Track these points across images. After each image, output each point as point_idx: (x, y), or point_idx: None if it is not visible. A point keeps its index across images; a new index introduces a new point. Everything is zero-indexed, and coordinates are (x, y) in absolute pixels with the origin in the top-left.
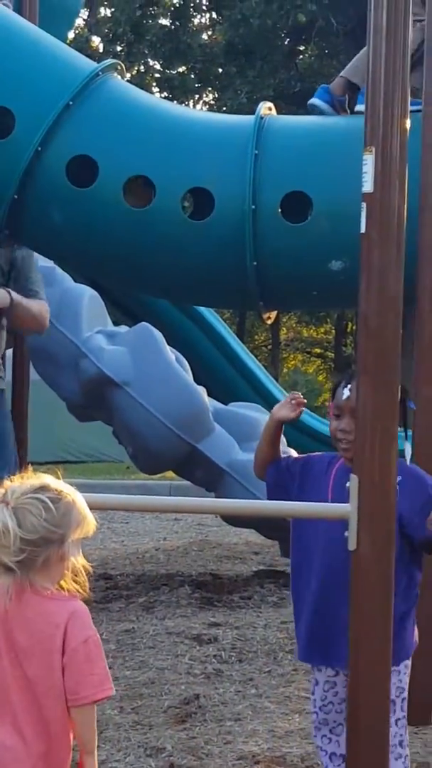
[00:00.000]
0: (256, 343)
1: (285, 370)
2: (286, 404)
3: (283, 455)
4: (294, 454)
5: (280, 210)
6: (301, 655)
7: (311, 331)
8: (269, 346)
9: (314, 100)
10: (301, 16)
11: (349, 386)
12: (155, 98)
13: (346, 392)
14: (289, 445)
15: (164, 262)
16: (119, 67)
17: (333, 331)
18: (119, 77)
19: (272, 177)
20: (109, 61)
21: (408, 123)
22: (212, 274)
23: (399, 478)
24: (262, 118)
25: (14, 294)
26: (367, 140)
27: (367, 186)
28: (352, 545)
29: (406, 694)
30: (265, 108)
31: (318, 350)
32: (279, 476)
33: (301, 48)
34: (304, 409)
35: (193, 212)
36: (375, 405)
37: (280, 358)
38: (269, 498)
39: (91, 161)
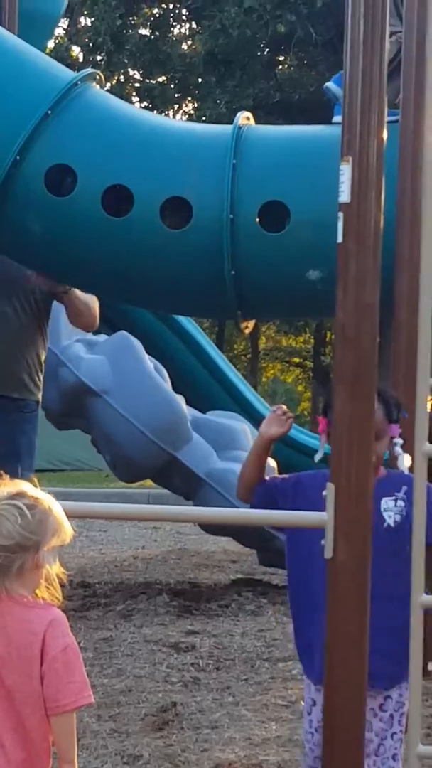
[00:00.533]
0: (235, 352)
1: (264, 379)
2: (275, 420)
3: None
4: (273, 464)
5: (258, 219)
6: (317, 677)
7: (290, 340)
8: (248, 356)
9: (330, 84)
10: (281, 27)
11: None
12: (134, 107)
13: None
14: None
15: (142, 272)
16: (98, 77)
17: (312, 340)
18: (98, 86)
19: (250, 186)
20: (88, 70)
21: (385, 133)
22: (190, 283)
23: (405, 488)
24: (240, 127)
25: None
26: (344, 150)
27: (344, 196)
28: (328, 553)
29: (405, 709)
30: (243, 118)
31: (297, 359)
32: (269, 497)
33: (281, 58)
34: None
35: (171, 221)
36: (352, 413)
37: (259, 368)
38: None
39: (70, 170)
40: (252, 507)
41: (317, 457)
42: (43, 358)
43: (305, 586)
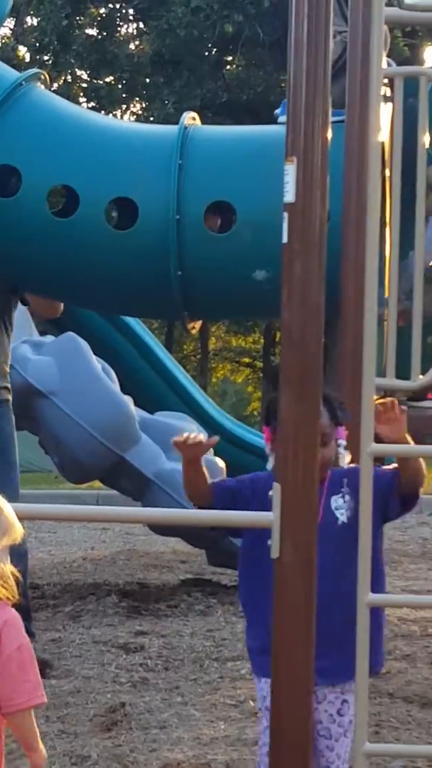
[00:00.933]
0: (185, 352)
1: (214, 379)
2: (184, 446)
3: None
4: (221, 464)
5: (204, 220)
6: (268, 672)
7: (240, 340)
8: (198, 356)
9: (278, 111)
10: (228, 27)
11: None
12: (79, 108)
13: None
14: (216, 454)
15: (89, 272)
16: (43, 77)
17: (261, 340)
18: (43, 87)
19: (196, 187)
20: (33, 70)
21: (329, 133)
22: (137, 283)
23: (345, 480)
24: (186, 128)
25: None
26: (288, 150)
27: (289, 196)
28: (275, 553)
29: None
30: (189, 118)
31: (247, 360)
32: (229, 499)
33: (228, 58)
34: (207, 440)
35: (117, 222)
36: (298, 415)
37: (208, 368)
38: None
39: (15, 171)
40: (212, 509)
41: (269, 465)
42: (8, 360)
43: (261, 588)
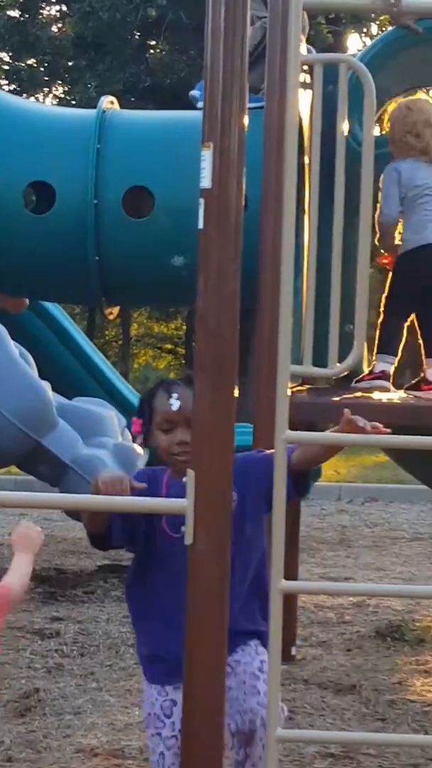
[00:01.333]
0: (107, 338)
1: (136, 365)
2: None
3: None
4: (140, 450)
5: (122, 205)
6: (161, 679)
7: (162, 326)
8: (120, 342)
9: (194, 92)
10: (151, 11)
11: (174, 396)
12: None
13: (176, 403)
14: (135, 441)
15: (5, 256)
16: None
17: (184, 327)
18: None
19: (114, 171)
20: None
21: (246, 119)
22: (54, 268)
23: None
24: (104, 112)
25: None
26: (205, 136)
27: (205, 182)
28: (188, 540)
29: None
30: (107, 102)
31: (169, 346)
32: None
33: (152, 42)
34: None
35: (35, 206)
36: (212, 403)
37: (130, 354)
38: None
39: None
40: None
41: (141, 462)
42: None
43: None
